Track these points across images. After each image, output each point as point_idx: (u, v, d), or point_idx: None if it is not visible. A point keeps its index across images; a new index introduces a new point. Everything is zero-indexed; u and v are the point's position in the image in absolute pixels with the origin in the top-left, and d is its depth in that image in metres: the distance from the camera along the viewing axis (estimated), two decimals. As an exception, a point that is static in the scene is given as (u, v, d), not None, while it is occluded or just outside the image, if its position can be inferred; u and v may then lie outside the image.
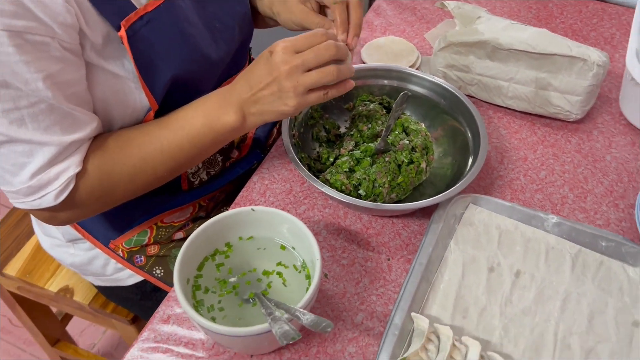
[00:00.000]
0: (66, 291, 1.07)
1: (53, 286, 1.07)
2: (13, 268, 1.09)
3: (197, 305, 0.63)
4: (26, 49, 0.57)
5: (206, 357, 0.66)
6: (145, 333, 0.68)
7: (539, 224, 0.75)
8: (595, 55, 0.85)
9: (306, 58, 0.66)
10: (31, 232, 1.14)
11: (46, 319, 1.32)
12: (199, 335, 0.68)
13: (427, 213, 0.80)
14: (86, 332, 1.71)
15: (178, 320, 0.69)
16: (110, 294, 0.99)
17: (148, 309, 0.89)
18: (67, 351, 1.39)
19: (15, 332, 1.70)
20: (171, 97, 0.73)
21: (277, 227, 0.68)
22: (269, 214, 0.67)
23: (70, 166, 0.66)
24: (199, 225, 0.67)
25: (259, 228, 0.69)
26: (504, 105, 0.94)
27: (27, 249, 1.12)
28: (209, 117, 0.70)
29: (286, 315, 0.58)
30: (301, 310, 0.58)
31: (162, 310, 0.70)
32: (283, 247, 0.69)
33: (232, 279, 0.67)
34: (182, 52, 0.72)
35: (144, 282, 0.92)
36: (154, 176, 0.73)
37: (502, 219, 0.76)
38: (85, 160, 0.67)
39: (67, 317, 1.44)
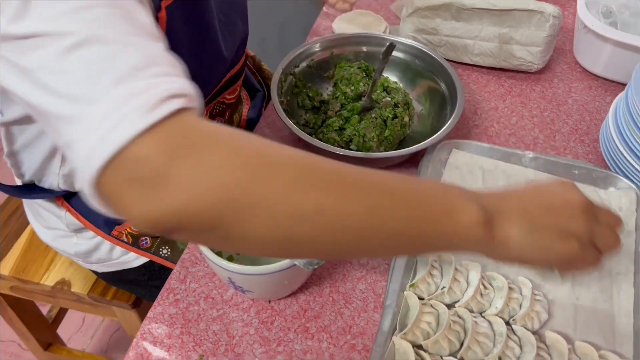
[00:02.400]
0: (63, 284, 1.07)
1: (49, 280, 1.08)
2: (5, 268, 1.09)
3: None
4: None
5: (226, 309, 0.69)
6: (164, 293, 0.71)
7: (517, 161, 0.82)
8: (550, 8, 0.93)
9: (603, 211, 0.54)
10: (20, 231, 1.14)
11: (37, 322, 1.31)
12: (217, 289, 0.71)
13: (414, 163, 0.86)
14: (73, 338, 1.70)
15: (195, 279, 0.72)
16: (116, 279, 1.00)
17: (155, 289, 0.91)
18: (60, 353, 1.38)
19: (1, 347, 1.67)
20: None
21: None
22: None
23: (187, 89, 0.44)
24: None
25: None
26: (471, 63, 1.01)
27: (17, 247, 1.12)
28: (430, 200, 0.47)
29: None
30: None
31: (178, 271, 0.73)
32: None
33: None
34: (204, 42, 0.71)
35: (151, 263, 0.93)
36: (346, 230, 0.44)
37: (483, 159, 0.83)
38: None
39: (57, 321, 1.43)
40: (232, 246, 0.44)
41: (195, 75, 0.70)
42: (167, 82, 0.42)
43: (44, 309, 1.44)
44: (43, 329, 1.34)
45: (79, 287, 1.07)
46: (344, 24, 1.08)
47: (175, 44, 0.59)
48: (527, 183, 0.54)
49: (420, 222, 0.45)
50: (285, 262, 0.60)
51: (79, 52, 0.42)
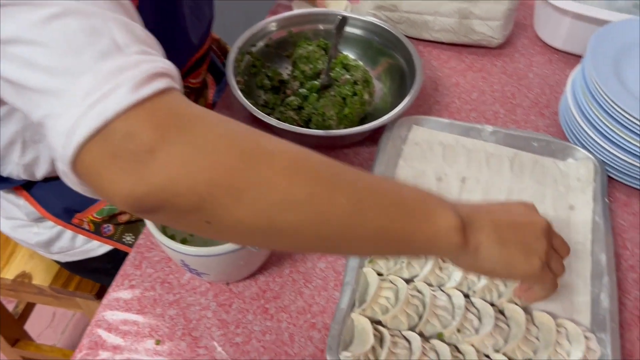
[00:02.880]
0: (24, 277, 1.04)
1: (9, 274, 1.05)
2: (-38, 263, 1.06)
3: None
4: None
5: (183, 293, 0.68)
6: (119, 279, 0.69)
7: (477, 135, 0.82)
8: (508, -19, 0.92)
9: (557, 238, 0.58)
10: (-23, 225, 1.11)
11: (3, 318, 1.28)
12: (173, 274, 0.70)
13: (374, 141, 0.85)
14: (43, 335, 1.67)
15: (150, 264, 0.71)
16: (80, 268, 0.97)
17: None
18: (28, 349, 1.35)
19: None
20: None
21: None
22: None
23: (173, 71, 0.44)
24: None
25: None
26: (432, 39, 1.00)
27: (-26, 242, 1.09)
28: (419, 205, 0.48)
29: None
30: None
31: (133, 257, 0.71)
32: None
33: (199, 215, 0.69)
34: (172, 31, 0.71)
35: (115, 250, 0.91)
36: (330, 223, 0.44)
37: (443, 135, 0.82)
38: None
39: (23, 318, 1.40)
40: (214, 231, 0.43)
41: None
42: (153, 60, 0.41)
43: (10, 305, 1.40)
44: (9, 325, 1.31)
45: (41, 279, 1.04)
46: (304, 3, 1.07)
47: (149, 24, 0.58)
48: (492, 202, 0.56)
49: (403, 222, 0.46)
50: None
51: (59, 22, 0.39)
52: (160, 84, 0.40)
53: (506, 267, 0.52)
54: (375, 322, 0.62)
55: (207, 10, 0.84)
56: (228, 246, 0.59)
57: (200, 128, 0.40)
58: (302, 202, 0.42)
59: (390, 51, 0.92)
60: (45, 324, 1.68)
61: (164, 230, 0.66)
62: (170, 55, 0.66)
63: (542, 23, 1.00)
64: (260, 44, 0.91)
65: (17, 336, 1.35)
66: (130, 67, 0.39)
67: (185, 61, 0.82)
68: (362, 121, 0.88)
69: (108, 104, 0.37)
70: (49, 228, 0.90)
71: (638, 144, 0.73)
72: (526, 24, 1.05)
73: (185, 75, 0.84)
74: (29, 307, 1.41)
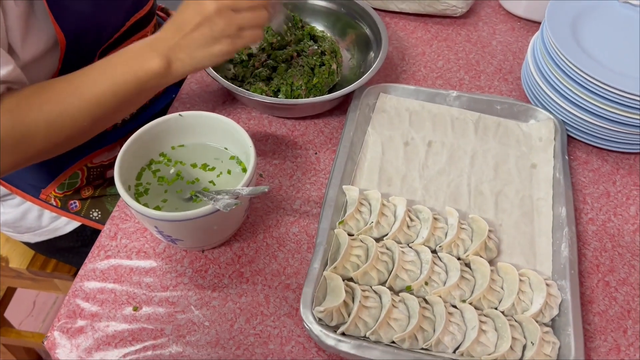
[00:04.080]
0: (0, 260, 1.04)
1: (-15, 258, 1.05)
2: (-63, 249, 1.05)
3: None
4: None
5: (159, 261, 0.69)
6: (95, 251, 0.70)
7: (442, 101, 0.84)
8: (469, -49, 0.94)
9: (236, 0, 0.67)
10: (-50, 211, 1.10)
11: (-19, 306, 1.27)
12: (149, 243, 0.71)
13: (343, 110, 0.86)
14: (24, 323, 1.66)
15: (126, 234, 0.72)
16: (50, 249, 0.98)
17: (91, 256, 0.90)
18: (9, 336, 1.35)
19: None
20: (81, 38, 0.73)
21: (206, 131, 0.72)
22: (197, 117, 0.71)
23: None
24: None
25: (189, 135, 0.72)
26: (398, 10, 1.01)
27: (-52, 228, 1.08)
28: (132, 64, 0.67)
29: (227, 196, 0.62)
30: (240, 187, 0.62)
31: (108, 228, 0.72)
32: (215, 149, 0.73)
33: (171, 187, 0.70)
34: None
35: (82, 227, 0.92)
36: (73, 126, 0.67)
37: (410, 102, 0.84)
38: None
39: (3, 305, 1.39)
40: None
41: (90, 15, 0.69)
42: None
43: (-12, 294, 1.40)
44: (-13, 312, 1.30)
45: (17, 262, 1.04)
46: None
47: None
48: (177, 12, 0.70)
49: (137, 82, 0.67)
50: (208, 207, 0.60)
51: None
52: None
53: (208, 61, 0.69)
54: (347, 279, 0.64)
55: None
56: (200, 210, 0.60)
57: None
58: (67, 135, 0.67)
59: (358, 23, 0.93)
60: (26, 312, 1.68)
61: (137, 199, 0.67)
62: (99, 10, 0.72)
63: (504, -8, 1.03)
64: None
65: (-3, 324, 1.35)
66: None
67: (121, 18, 0.82)
68: (331, 91, 0.89)
69: None
70: (15, 207, 0.90)
71: (596, 103, 0.76)
72: (489, -7, 1.08)
73: (127, 35, 0.84)
74: (9, 295, 1.40)
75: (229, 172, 0.70)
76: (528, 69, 0.86)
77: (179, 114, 0.70)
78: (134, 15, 0.83)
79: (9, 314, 1.40)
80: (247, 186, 0.63)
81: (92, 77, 0.67)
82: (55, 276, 1.05)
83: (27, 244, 0.98)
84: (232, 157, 0.71)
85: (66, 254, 0.98)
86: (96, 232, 0.92)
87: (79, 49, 0.72)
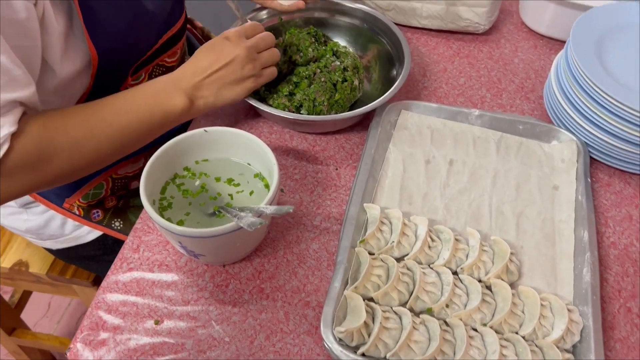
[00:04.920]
0: (21, 265, 1.06)
1: (6, 262, 1.06)
2: (-41, 252, 1.07)
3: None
4: None
5: (181, 275, 0.70)
6: (117, 263, 0.71)
7: (464, 119, 0.84)
8: (493, -32, 0.94)
9: (257, 42, 0.77)
10: (-28, 215, 1.12)
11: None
12: (171, 256, 0.71)
13: (364, 126, 0.87)
14: (39, 324, 1.68)
15: (148, 247, 0.72)
16: (71, 256, 0.99)
17: (111, 264, 0.91)
18: (25, 338, 1.37)
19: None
20: (114, 56, 0.74)
21: (230, 146, 0.72)
22: (222, 133, 0.71)
23: (5, 124, 0.59)
24: None
25: (213, 150, 0.73)
26: (420, 26, 1.02)
27: (-30, 231, 1.10)
28: (157, 99, 0.71)
29: (251, 214, 0.63)
30: (264, 206, 0.63)
31: (131, 240, 0.73)
32: (239, 165, 0.73)
33: (195, 200, 0.70)
34: (123, 1, 0.72)
35: (104, 236, 0.93)
36: (96, 153, 0.69)
37: (431, 119, 0.84)
38: (23, 122, 0.62)
39: (20, 307, 1.41)
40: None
41: (123, 33, 0.70)
42: None
43: (6, 295, 1.42)
44: (5, 314, 1.32)
45: (37, 267, 1.06)
46: None
47: (90, 2, 0.65)
48: (208, 49, 0.76)
49: (163, 117, 0.72)
50: (232, 224, 0.60)
51: None
52: None
53: (232, 99, 0.76)
54: (368, 299, 0.64)
55: None
56: (224, 227, 0.60)
57: (10, 167, 0.62)
58: (87, 159, 0.69)
59: (380, 38, 0.93)
60: (41, 314, 1.70)
61: (161, 214, 0.68)
62: (132, 28, 0.74)
63: (527, 9, 1.02)
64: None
65: (14, 325, 1.37)
66: None
67: (155, 36, 0.83)
68: (353, 107, 0.90)
69: None
70: (39, 214, 0.92)
71: (619, 126, 0.75)
72: (512, 10, 1.07)
73: (159, 52, 0.85)
74: (25, 297, 1.42)
75: (251, 190, 0.71)
76: (551, 89, 0.86)
77: (204, 130, 0.71)
78: (166, 33, 0.84)
79: (24, 314, 1.42)
80: (270, 204, 0.64)
81: (119, 106, 0.70)
82: (74, 282, 1.06)
83: (49, 250, 1.00)
84: (256, 175, 0.72)
85: (87, 261, 1.00)
86: (117, 242, 0.93)
87: (112, 67, 0.73)
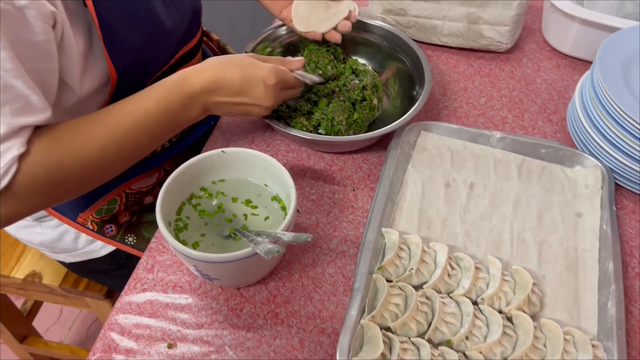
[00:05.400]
0: (34, 276, 1.06)
1: (19, 273, 1.06)
2: (-27, 261, 1.07)
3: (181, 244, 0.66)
4: None
5: (195, 297, 0.69)
6: (132, 283, 0.70)
7: (485, 141, 0.82)
8: (517, -13, 0.92)
9: (289, 95, 0.79)
10: (-13, 224, 1.12)
11: (11, 315, 1.29)
12: (185, 277, 0.71)
13: (383, 146, 0.85)
14: (51, 330, 1.68)
15: (162, 267, 0.71)
16: (84, 269, 0.99)
17: (124, 279, 0.90)
18: (36, 346, 1.37)
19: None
20: (132, 73, 0.73)
21: (247, 167, 0.71)
22: (239, 154, 0.70)
23: (13, 146, 0.58)
24: None
25: (230, 170, 0.72)
26: (440, 44, 1.00)
27: (-15, 240, 1.10)
28: (172, 111, 0.69)
29: (268, 239, 0.62)
30: (281, 232, 0.61)
31: (145, 260, 0.72)
32: (256, 186, 0.72)
33: (211, 220, 0.69)
34: (141, 18, 0.72)
35: (117, 251, 0.92)
36: (107, 169, 0.69)
37: (452, 140, 0.83)
38: (29, 143, 0.60)
39: (32, 314, 1.41)
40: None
41: (141, 50, 0.70)
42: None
43: (19, 302, 1.42)
44: (17, 321, 1.32)
45: (50, 279, 1.05)
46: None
47: (109, 20, 0.65)
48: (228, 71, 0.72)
49: (174, 127, 0.72)
50: (248, 250, 0.59)
51: None
52: (1, 170, 0.57)
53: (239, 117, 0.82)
54: (385, 329, 0.63)
55: (188, 0, 0.83)
56: (240, 252, 0.59)
57: (19, 189, 0.60)
58: (99, 176, 0.69)
59: (399, 55, 0.92)
60: (53, 320, 1.70)
61: (176, 235, 0.67)
62: (148, 44, 0.74)
63: (550, 28, 1.00)
64: (270, 48, 0.92)
65: (26, 333, 1.37)
66: None
67: (171, 51, 0.82)
68: (371, 125, 0.89)
69: None
70: (52, 228, 0.91)
71: (646, 152, 0.73)
72: (534, 28, 1.06)
73: (175, 67, 0.84)
74: (37, 304, 1.42)
75: (267, 214, 0.70)
76: (575, 111, 0.84)
77: (222, 151, 0.70)
78: (183, 48, 0.83)
79: (35, 321, 1.42)
80: (288, 228, 0.63)
81: (130, 122, 0.67)
82: (86, 295, 1.06)
83: (62, 263, 0.99)
84: (274, 198, 0.71)
85: (100, 275, 0.99)
86: (130, 257, 0.93)
87: (129, 83, 0.73)
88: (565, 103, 0.92)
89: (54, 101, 0.67)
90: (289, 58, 0.81)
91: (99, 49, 0.69)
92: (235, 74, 0.71)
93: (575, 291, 0.67)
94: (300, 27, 0.89)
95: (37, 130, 0.62)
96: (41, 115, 0.61)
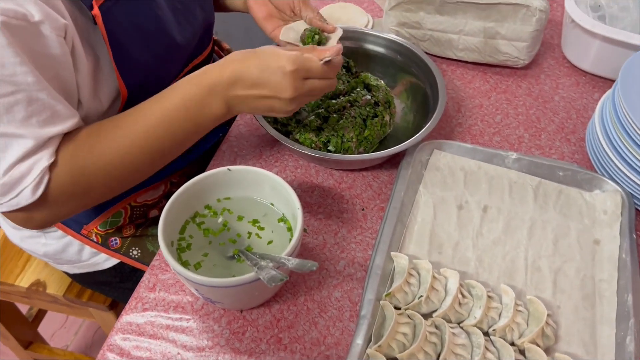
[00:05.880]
0: (38, 285, 1.05)
1: (24, 282, 1.05)
2: (-22, 268, 1.06)
3: (183, 266, 0.64)
4: (9, 30, 0.55)
5: (196, 318, 0.67)
6: (132, 302, 0.68)
7: (500, 162, 0.80)
8: (536, 2, 0.89)
9: (318, 87, 0.68)
10: (-6, 231, 1.11)
11: (16, 321, 1.28)
12: (187, 298, 0.69)
13: (394, 164, 0.83)
14: (57, 334, 1.68)
15: (164, 287, 0.70)
16: (88, 281, 0.98)
17: (128, 291, 0.89)
18: (41, 352, 1.36)
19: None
20: (142, 89, 0.72)
21: (253, 186, 0.69)
22: (245, 172, 0.68)
23: (44, 157, 0.62)
24: None
25: (236, 188, 0.70)
26: (455, 58, 0.97)
27: (-10, 247, 1.09)
28: (192, 109, 0.67)
29: (272, 264, 0.60)
30: (286, 257, 0.59)
31: (147, 279, 0.71)
32: (262, 205, 0.70)
33: (215, 239, 0.68)
34: (152, 34, 0.71)
35: (121, 264, 0.91)
36: (135, 172, 0.69)
37: (465, 160, 0.80)
38: (57, 152, 0.64)
39: (37, 319, 1.41)
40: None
41: (152, 66, 0.68)
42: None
43: (25, 307, 1.41)
44: (22, 327, 1.31)
45: (54, 288, 1.04)
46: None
47: (119, 37, 0.64)
48: (250, 67, 0.66)
49: (196, 126, 0.69)
50: (251, 275, 0.57)
51: None
52: (35, 181, 0.62)
53: (263, 113, 0.71)
54: (391, 359, 0.60)
55: (200, 13, 0.82)
56: (242, 278, 0.57)
57: (52, 196, 0.65)
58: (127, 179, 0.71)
59: (413, 69, 0.90)
60: (59, 325, 1.69)
61: (179, 256, 0.65)
62: (158, 59, 0.72)
63: (570, 44, 0.97)
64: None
65: (31, 339, 1.36)
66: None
67: (181, 64, 0.81)
68: (383, 141, 0.86)
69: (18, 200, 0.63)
70: (57, 239, 0.90)
71: (669, 178, 0.70)
72: (553, 43, 1.03)
73: None
74: (43, 310, 1.41)
75: (272, 234, 0.68)
76: (594, 132, 0.81)
77: (228, 169, 0.68)
78: (193, 61, 0.82)
79: (41, 324, 1.42)
80: (293, 252, 0.61)
81: (150, 124, 0.67)
82: (90, 305, 1.04)
83: (66, 273, 0.98)
84: (280, 219, 0.69)
85: (103, 287, 0.98)
86: (135, 270, 0.91)
87: (139, 98, 0.71)
88: (585, 123, 0.89)
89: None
90: (322, 47, 0.71)
91: (107, 66, 0.68)
92: (252, 63, 0.66)
93: (592, 324, 0.64)
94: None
95: (63, 137, 0.65)
96: (69, 122, 0.63)
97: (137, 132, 0.66)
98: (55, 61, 0.61)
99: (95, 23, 0.64)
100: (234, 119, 0.98)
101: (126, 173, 0.68)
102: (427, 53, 0.98)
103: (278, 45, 0.81)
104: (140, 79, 0.71)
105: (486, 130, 0.88)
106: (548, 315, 0.63)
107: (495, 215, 0.74)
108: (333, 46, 0.70)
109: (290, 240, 0.63)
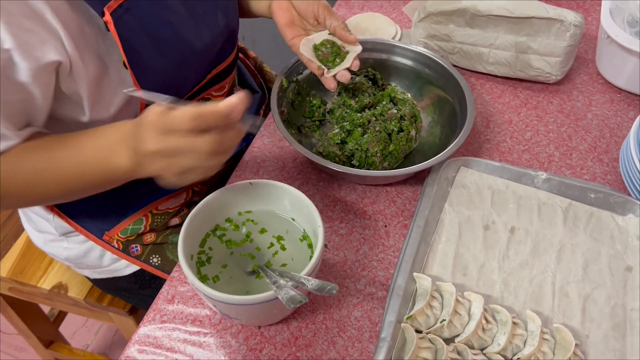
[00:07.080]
0: (60, 288, 1.05)
1: (46, 284, 1.06)
2: (3, 269, 1.07)
3: (202, 280, 0.63)
4: None
5: (214, 332, 0.66)
6: (151, 314, 0.68)
7: (529, 182, 0.77)
8: (571, 16, 0.87)
9: (180, 146, 0.56)
10: (19, 232, 1.13)
11: (38, 320, 1.30)
12: (205, 311, 0.68)
13: (419, 180, 0.81)
14: (78, 333, 1.70)
15: (183, 299, 0.69)
16: (108, 286, 0.98)
17: (147, 298, 0.89)
18: (61, 352, 1.38)
19: (5, 339, 1.67)
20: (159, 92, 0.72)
21: (275, 200, 0.69)
22: (267, 186, 0.68)
23: None
24: None
25: (257, 202, 0.69)
26: (485, 72, 0.95)
27: (16, 249, 1.10)
28: (100, 157, 0.64)
29: (291, 283, 0.59)
30: (305, 277, 0.58)
31: (166, 290, 0.70)
32: (283, 219, 0.69)
33: (235, 253, 0.67)
34: (167, 39, 0.70)
35: (141, 271, 0.91)
36: (44, 196, 0.70)
37: (493, 179, 0.78)
38: None
39: (59, 319, 1.42)
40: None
41: (169, 72, 0.67)
42: None
43: (46, 307, 1.43)
44: (44, 327, 1.33)
45: (76, 291, 1.05)
46: (352, 29, 1.03)
47: (132, 42, 0.65)
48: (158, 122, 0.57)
49: (95, 178, 0.66)
50: (269, 294, 0.56)
51: None
52: None
53: (172, 185, 0.61)
54: (411, 385, 0.59)
55: (221, 18, 0.80)
56: (260, 296, 0.57)
57: None
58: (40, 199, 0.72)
59: (440, 83, 0.88)
60: (80, 324, 1.71)
61: (198, 270, 0.65)
62: (175, 65, 0.71)
63: (605, 60, 0.94)
64: (307, 71, 0.89)
65: (52, 338, 1.38)
66: None
67: (203, 71, 0.80)
68: (408, 156, 0.85)
69: None
70: (79, 243, 0.91)
71: None
72: (587, 58, 0.99)
73: (207, 86, 0.82)
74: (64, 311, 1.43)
75: (293, 252, 0.67)
76: (628, 152, 0.78)
77: (249, 182, 0.67)
78: (216, 68, 0.81)
79: (63, 323, 1.43)
80: (313, 271, 0.59)
81: (67, 155, 0.65)
82: (110, 310, 1.05)
83: (87, 278, 0.98)
84: (302, 239, 0.68)
85: (123, 293, 0.98)
86: (154, 277, 0.91)
87: None
88: (618, 142, 0.86)
89: (69, 116, 0.71)
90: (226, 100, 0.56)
91: (117, 75, 0.68)
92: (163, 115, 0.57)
93: (621, 355, 0.62)
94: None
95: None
96: (2, 144, 0.64)
97: (55, 162, 0.66)
98: (21, 87, 0.62)
99: (107, 30, 0.63)
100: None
101: (40, 194, 0.69)
102: (455, 66, 0.96)
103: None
104: (158, 85, 0.70)
105: (515, 148, 0.86)
106: (576, 345, 0.61)
107: (523, 237, 0.72)
108: (235, 96, 0.55)
109: (311, 257, 0.62)
